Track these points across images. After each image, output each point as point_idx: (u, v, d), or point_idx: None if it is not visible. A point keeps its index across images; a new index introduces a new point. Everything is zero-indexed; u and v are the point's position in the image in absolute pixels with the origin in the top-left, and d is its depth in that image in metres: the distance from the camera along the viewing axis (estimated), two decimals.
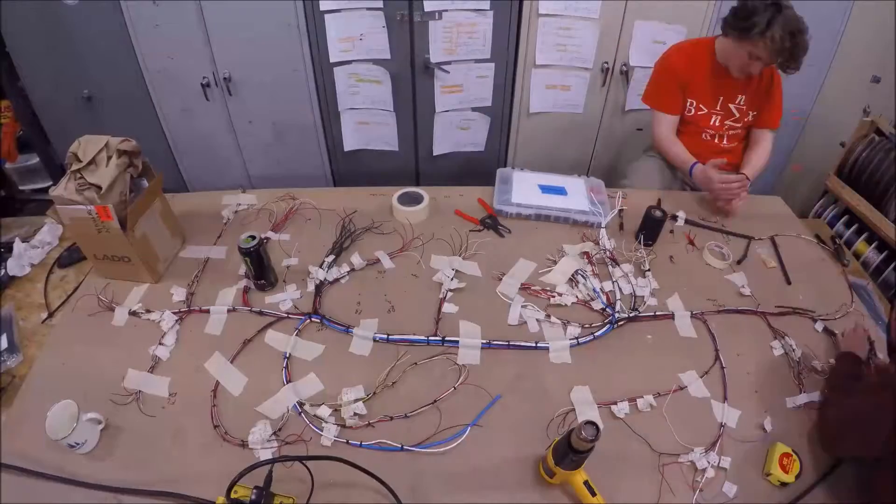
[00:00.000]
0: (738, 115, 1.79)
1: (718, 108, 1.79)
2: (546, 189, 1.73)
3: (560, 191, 1.72)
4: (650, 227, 1.54)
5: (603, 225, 1.61)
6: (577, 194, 1.72)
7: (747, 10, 1.54)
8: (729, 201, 1.68)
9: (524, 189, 1.72)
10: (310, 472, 0.95)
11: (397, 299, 1.36)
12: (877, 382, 1.08)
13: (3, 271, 1.43)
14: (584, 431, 0.87)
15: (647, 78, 2.36)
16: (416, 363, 1.20)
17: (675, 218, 1.67)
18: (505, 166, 2.58)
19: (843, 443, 1.01)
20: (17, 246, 1.48)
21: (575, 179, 1.79)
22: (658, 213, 1.51)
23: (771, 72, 1.73)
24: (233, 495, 0.83)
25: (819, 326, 1.35)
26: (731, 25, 1.60)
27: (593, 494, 0.95)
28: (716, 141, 1.85)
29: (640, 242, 1.55)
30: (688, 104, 1.81)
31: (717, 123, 1.81)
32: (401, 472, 1.00)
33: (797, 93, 2.32)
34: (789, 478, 1.01)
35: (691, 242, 1.57)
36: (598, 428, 0.87)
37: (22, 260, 1.44)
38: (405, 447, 1.05)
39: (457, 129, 2.46)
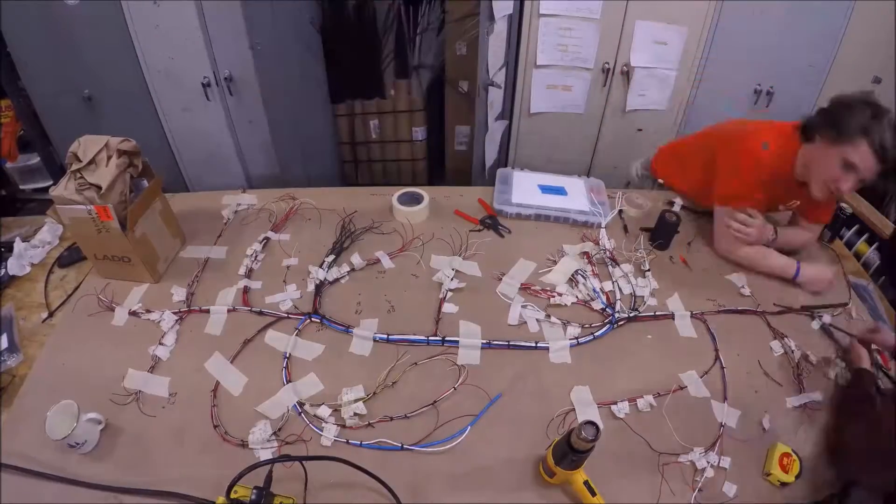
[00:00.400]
0: (781, 209, 1.58)
1: (771, 211, 1.57)
2: (546, 189, 1.73)
3: (560, 191, 1.72)
4: (664, 231, 1.51)
5: (603, 225, 1.61)
6: (577, 195, 1.71)
7: (843, 105, 1.25)
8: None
9: (524, 189, 1.72)
10: (305, 472, 0.95)
11: (397, 299, 1.36)
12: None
13: (3, 271, 1.43)
14: (584, 431, 0.87)
15: (648, 78, 2.38)
16: (416, 363, 1.20)
17: (671, 204, 1.59)
18: (505, 166, 2.59)
19: (867, 470, 0.99)
20: (18, 245, 1.48)
21: (575, 180, 1.79)
22: (673, 218, 1.47)
23: None
24: (233, 495, 0.83)
25: (816, 325, 1.35)
26: (820, 124, 1.30)
27: (593, 494, 0.95)
28: None
29: (651, 246, 1.51)
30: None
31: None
32: (401, 472, 1.00)
33: (798, 93, 2.32)
34: (789, 478, 1.00)
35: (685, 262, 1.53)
36: (598, 428, 0.87)
37: (22, 259, 1.44)
38: (405, 446, 1.05)
39: None
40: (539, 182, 1.76)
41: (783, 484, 1.01)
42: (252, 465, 0.84)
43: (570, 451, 0.91)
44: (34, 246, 1.49)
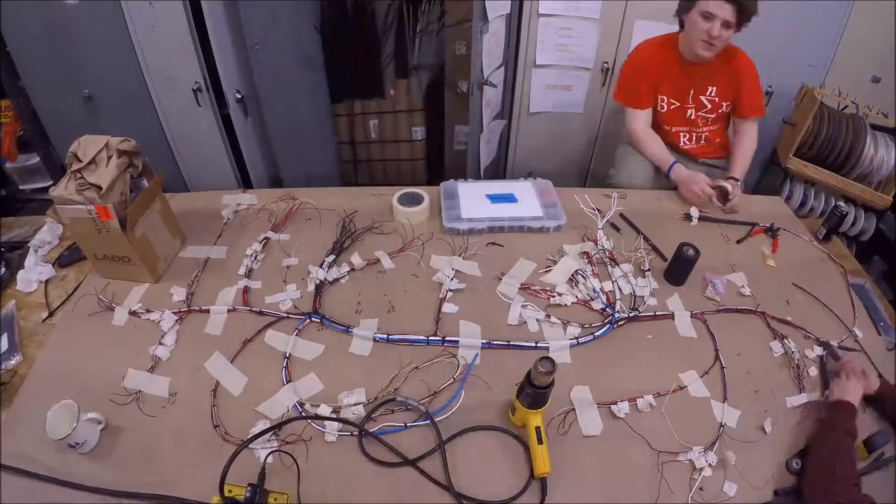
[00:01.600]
0: (710, 106, 1.79)
1: (690, 102, 1.79)
2: (495, 199, 1.66)
3: (510, 198, 1.66)
4: (680, 267, 1.42)
5: (599, 227, 1.61)
6: (527, 200, 1.66)
7: None
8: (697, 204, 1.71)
9: (473, 202, 1.64)
10: (298, 470, 0.96)
11: (397, 299, 1.36)
12: None
13: (2, 270, 1.43)
14: (541, 366, 0.92)
15: None
16: (416, 367, 1.20)
17: (689, 217, 1.68)
18: (505, 167, 2.59)
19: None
20: (29, 259, 1.46)
21: (523, 183, 1.75)
22: (690, 252, 1.39)
23: (739, 59, 1.73)
24: (227, 493, 0.83)
25: (818, 351, 1.29)
26: (679, 7, 1.65)
27: (540, 442, 0.99)
28: (694, 143, 1.87)
29: (667, 281, 1.46)
30: (659, 101, 1.82)
31: (692, 117, 1.82)
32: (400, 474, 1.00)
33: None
34: None
35: None
36: (552, 362, 0.93)
37: (31, 274, 1.42)
38: (408, 424, 1.07)
39: None
40: (487, 191, 1.69)
41: None
42: (235, 451, 0.85)
43: (529, 386, 0.97)
44: (44, 262, 1.47)
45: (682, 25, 1.68)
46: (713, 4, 1.53)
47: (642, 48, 1.81)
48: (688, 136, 1.87)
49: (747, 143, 1.82)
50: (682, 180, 1.73)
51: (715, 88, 1.76)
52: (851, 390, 1.11)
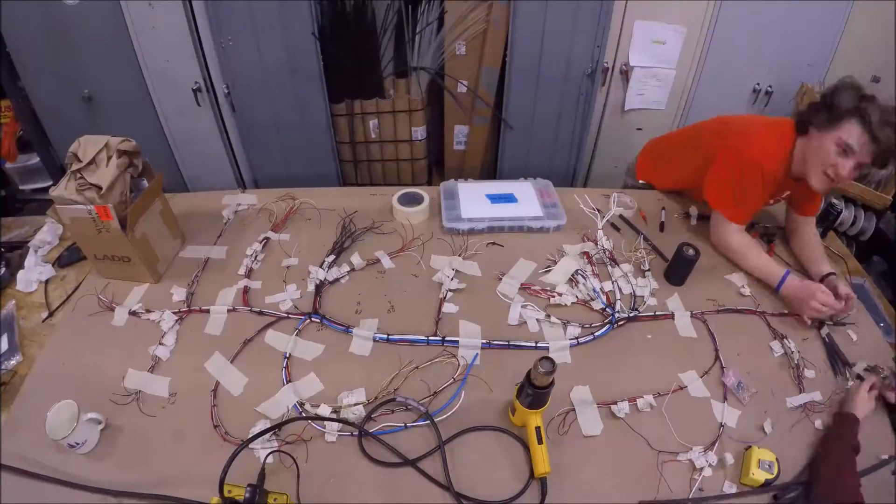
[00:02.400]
0: (772, 202, 1.59)
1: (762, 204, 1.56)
2: (495, 199, 1.65)
3: (510, 198, 1.66)
4: (680, 267, 1.42)
5: (599, 227, 1.61)
6: (527, 200, 1.65)
7: (831, 90, 1.28)
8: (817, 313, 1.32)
9: (473, 202, 1.64)
10: (297, 469, 0.96)
11: (397, 299, 1.36)
12: None
13: (2, 270, 1.43)
14: (541, 366, 0.93)
15: (647, 77, 2.38)
16: (416, 367, 1.20)
17: (687, 216, 1.67)
18: (495, 167, 2.59)
19: None
20: (30, 259, 1.45)
21: (522, 183, 1.74)
22: (690, 252, 1.38)
23: None
24: (227, 494, 0.83)
25: (825, 331, 1.32)
26: (812, 113, 1.32)
27: (540, 442, 0.99)
28: None
29: (667, 282, 1.45)
30: None
31: None
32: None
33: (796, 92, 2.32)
34: (770, 474, 1.00)
35: None
36: (552, 362, 0.93)
37: (31, 274, 1.42)
38: (408, 424, 1.07)
39: None
40: (486, 191, 1.68)
41: (767, 482, 1.00)
42: (234, 451, 0.85)
43: (528, 385, 0.97)
44: (44, 262, 1.47)
45: (801, 131, 1.37)
46: (857, 138, 1.22)
47: (771, 161, 1.39)
48: None
49: (816, 234, 1.55)
50: (796, 295, 1.35)
51: (790, 193, 1.53)
52: (864, 403, 1.11)
